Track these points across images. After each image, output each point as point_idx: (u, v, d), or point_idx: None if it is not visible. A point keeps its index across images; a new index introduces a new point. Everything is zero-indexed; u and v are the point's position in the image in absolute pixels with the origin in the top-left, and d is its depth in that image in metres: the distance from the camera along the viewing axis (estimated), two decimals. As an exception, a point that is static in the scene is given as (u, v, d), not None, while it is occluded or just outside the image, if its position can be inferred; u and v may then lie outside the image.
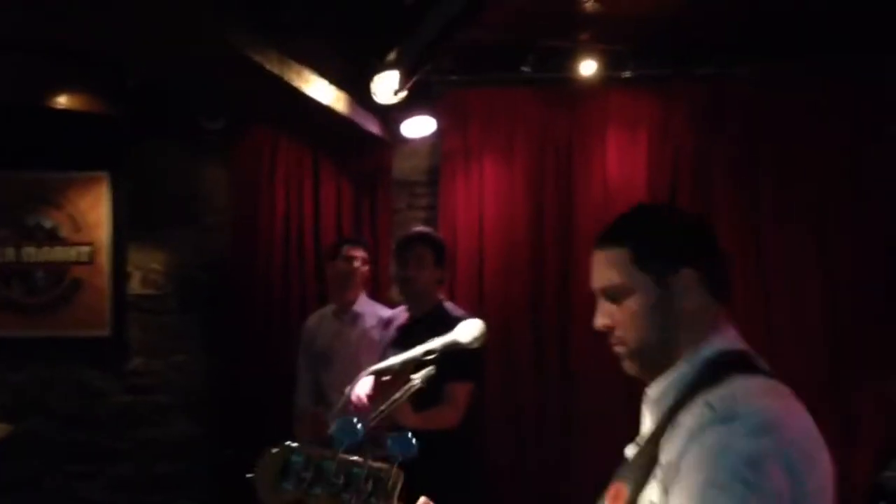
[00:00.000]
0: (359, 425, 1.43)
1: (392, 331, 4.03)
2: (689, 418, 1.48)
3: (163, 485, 5.37)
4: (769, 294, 4.87)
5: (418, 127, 4.99)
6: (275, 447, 1.41)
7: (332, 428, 1.42)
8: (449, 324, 3.74)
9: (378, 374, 2.28)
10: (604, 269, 1.64)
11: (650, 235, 1.63)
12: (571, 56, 4.86)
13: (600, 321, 1.67)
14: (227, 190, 5.47)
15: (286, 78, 3.63)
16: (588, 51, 4.83)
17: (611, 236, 1.65)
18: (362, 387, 4.03)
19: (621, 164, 5.05)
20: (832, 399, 4.65)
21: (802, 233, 4.86)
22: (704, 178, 4.98)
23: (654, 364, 1.63)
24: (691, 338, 1.59)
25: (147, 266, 5.50)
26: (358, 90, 4.64)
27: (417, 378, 2.17)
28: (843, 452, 4.31)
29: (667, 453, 1.48)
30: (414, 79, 4.33)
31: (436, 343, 2.19)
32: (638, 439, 1.63)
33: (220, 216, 5.47)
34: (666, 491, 1.45)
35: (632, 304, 1.61)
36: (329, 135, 4.89)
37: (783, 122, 4.94)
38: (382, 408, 2.53)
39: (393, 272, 4.06)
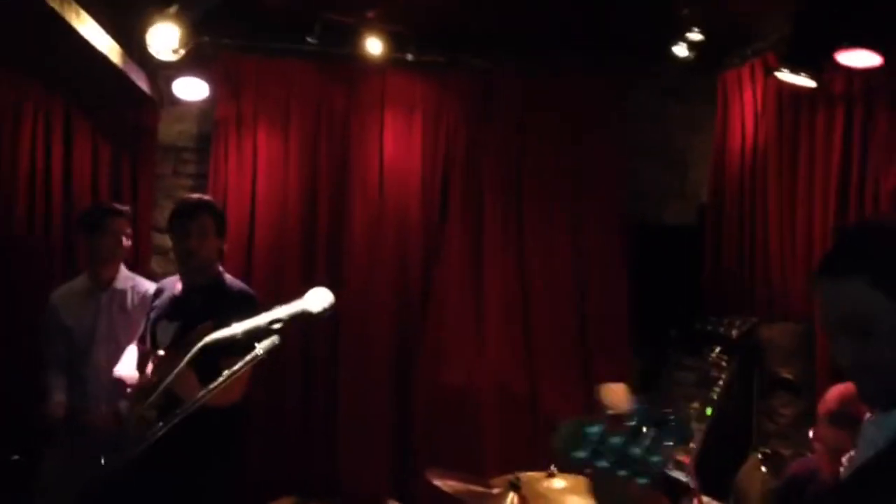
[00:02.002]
0: (631, 396, 1.38)
1: (164, 302, 3.76)
2: None
3: None
4: (526, 269, 5.13)
5: (190, 89, 4.69)
6: (573, 418, 1.44)
7: (606, 401, 1.37)
8: (227, 297, 3.64)
9: (211, 344, 2.10)
10: (838, 302, 1.46)
11: (891, 255, 1.44)
12: (356, 33, 4.80)
13: (842, 361, 1.49)
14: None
15: (65, 16, 3.24)
16: (373, 30, 4.80)
17: (842, 263, 1.47)
18: (127, 365, 3.75)
19: (397, 146, 5.09)
20: (580, 363, 5.04)
21: (557, 212, 5.20)
22: (475, 164, 5.15)
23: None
24: None
25: None
26: (128, 41, 4.28)
27: (261, 348, 2.05)
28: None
29: None
30: (197, 37, 4.08)
31: (283, 312, 2.08)
32: (852, 464, 1.54)
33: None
34: None
35: (882, 337, 1.43)
36: (91, 86, 4.44)
37: (543, 113, 5.23)
38: (168, 380, 2.36)
39: (172, 242, 3.76)
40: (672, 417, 1.48)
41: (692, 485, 4.06)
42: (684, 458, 4.33)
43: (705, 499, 3.49)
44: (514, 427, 4.85)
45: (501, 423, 4.88)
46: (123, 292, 4.22)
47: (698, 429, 4.30)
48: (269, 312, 2.08)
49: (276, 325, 2.07)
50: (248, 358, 2.03)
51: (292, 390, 4.87)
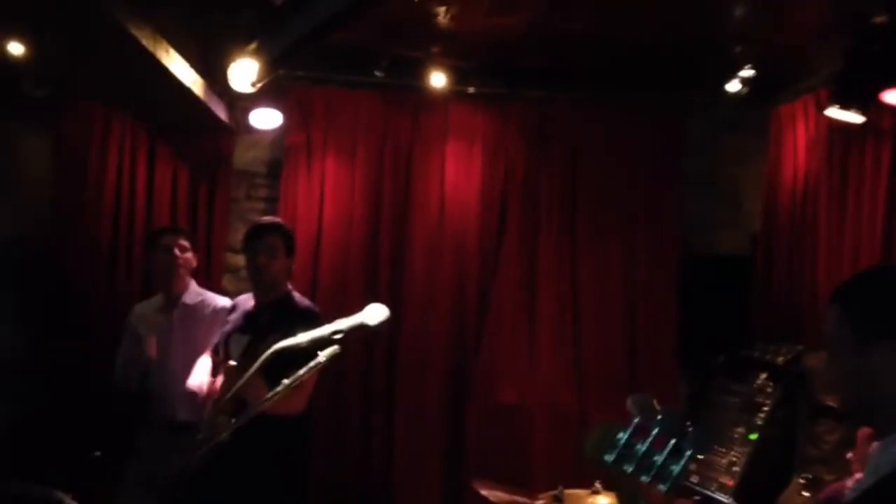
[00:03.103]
0: (657, 407, 1.62)
1: (237, 316, 4.04)
2: None
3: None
4: (579, 293, 5.32)
5: (265, 118, 5.01)
6: (606, 421, 1.62)
7: (634, 411, 1.59)
8: (294, 314, 3.90)
9: (279, 351, 2.35)
10: (827, 322, 1.69)
11: (864, 299, 1.65)
12: (421, 67, 5.08)
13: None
14: (48, 162, 5.19)
15: (157, 55, 3.57)
16: (437, 64, 5.07)
17: (838, 292, 1.71)
18: (197, 377, 4.03)
19: (457, 174, 5.33)
20: (629, 385, 5.16)
21: (611, 239, 5.37)
22: (532, 191, 5.37)
23: (871, 423, 1.70)
24: None
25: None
26: (209, 74, 4.61)
27: (323, 355, 2.29)
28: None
29: None
30: (273, 71, 4.38)
31: (343, 324, 2.32)
32: (857, 487, 1.71)
33: (40, 189, 5.17)
34: None
35: (838, 361, 1.66)
36: (174, 116, 4.80)
37: (598, 143, 5.42)
38: (238, 385, 2.61)
39: (245, 261, 4.05)
40: (692, 429, 1.64)
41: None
42: (728, 482, 4.44)
43: None
44: (563, 445, 5.01)
45: (550, 441, 5.06)
46: (194, 307, 4.43)
47: (742, 453, 4.41)
48: (331, 324, 2.33)
49: (338, 336, 2.30)
50: (311, 364, 2.27)
51: (352, 403, 5.13)
